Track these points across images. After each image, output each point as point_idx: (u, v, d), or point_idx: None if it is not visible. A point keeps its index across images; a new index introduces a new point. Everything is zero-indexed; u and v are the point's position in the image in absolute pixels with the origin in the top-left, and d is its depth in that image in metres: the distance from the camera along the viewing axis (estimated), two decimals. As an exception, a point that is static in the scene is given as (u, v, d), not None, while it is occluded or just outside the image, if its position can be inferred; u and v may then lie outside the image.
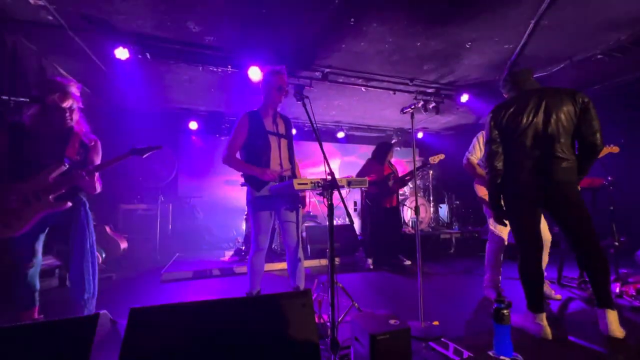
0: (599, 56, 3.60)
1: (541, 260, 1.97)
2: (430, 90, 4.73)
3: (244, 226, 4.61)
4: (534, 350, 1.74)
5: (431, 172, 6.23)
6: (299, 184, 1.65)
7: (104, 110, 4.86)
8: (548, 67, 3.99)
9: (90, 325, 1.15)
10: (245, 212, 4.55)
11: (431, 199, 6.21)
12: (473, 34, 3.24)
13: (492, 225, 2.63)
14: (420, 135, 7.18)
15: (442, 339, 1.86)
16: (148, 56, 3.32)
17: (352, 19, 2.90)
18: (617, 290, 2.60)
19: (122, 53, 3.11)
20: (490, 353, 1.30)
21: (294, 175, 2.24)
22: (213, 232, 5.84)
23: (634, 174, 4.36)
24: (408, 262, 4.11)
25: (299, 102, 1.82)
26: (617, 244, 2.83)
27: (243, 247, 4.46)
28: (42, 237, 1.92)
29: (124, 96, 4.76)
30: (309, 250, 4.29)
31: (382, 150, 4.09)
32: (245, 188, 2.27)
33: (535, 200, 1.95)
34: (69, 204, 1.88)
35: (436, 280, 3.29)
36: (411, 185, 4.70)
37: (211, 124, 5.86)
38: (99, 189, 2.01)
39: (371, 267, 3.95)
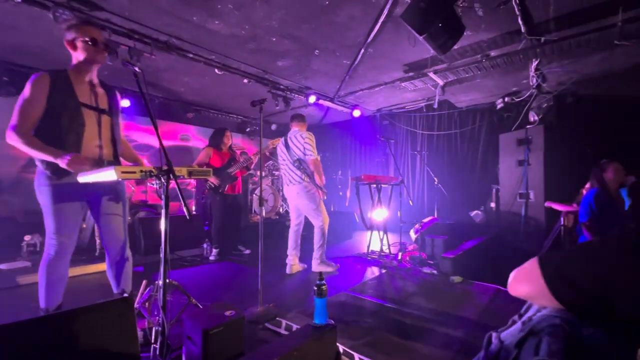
0: (402, 85, 4.82)
1: None
2: (282, 86, 4.98)
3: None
4: (339, 314, 2.25)
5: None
6: (124, 172, 1.39)
7: None
8: (368, 89, 5.02)
9: None
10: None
11: (280, 187, 6.62)
12: (321, 44, 3.64)
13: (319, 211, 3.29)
14: (273, 127, 7.47)
15: (277, 318, 2.05)
16: None
17: (205, -8, 2.66)
18: (399, 257, 3.63)
19: None
20: (312, 323, 1.55)
21: (117, 160, 1.85)
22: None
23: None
24: (247, 251, 4.19)
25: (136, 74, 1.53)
26: (401, 224, 3.94)
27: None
28: None
29: None
30: (142, 246, 3.71)
31: (218, 136, 3.99)
32: (36, 168, 1.70)
33: None
34: None
35: (278, 265, 3.55)
36: (258, 174, 4.83)
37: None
38: None
39: (217, 258, 3.85)
